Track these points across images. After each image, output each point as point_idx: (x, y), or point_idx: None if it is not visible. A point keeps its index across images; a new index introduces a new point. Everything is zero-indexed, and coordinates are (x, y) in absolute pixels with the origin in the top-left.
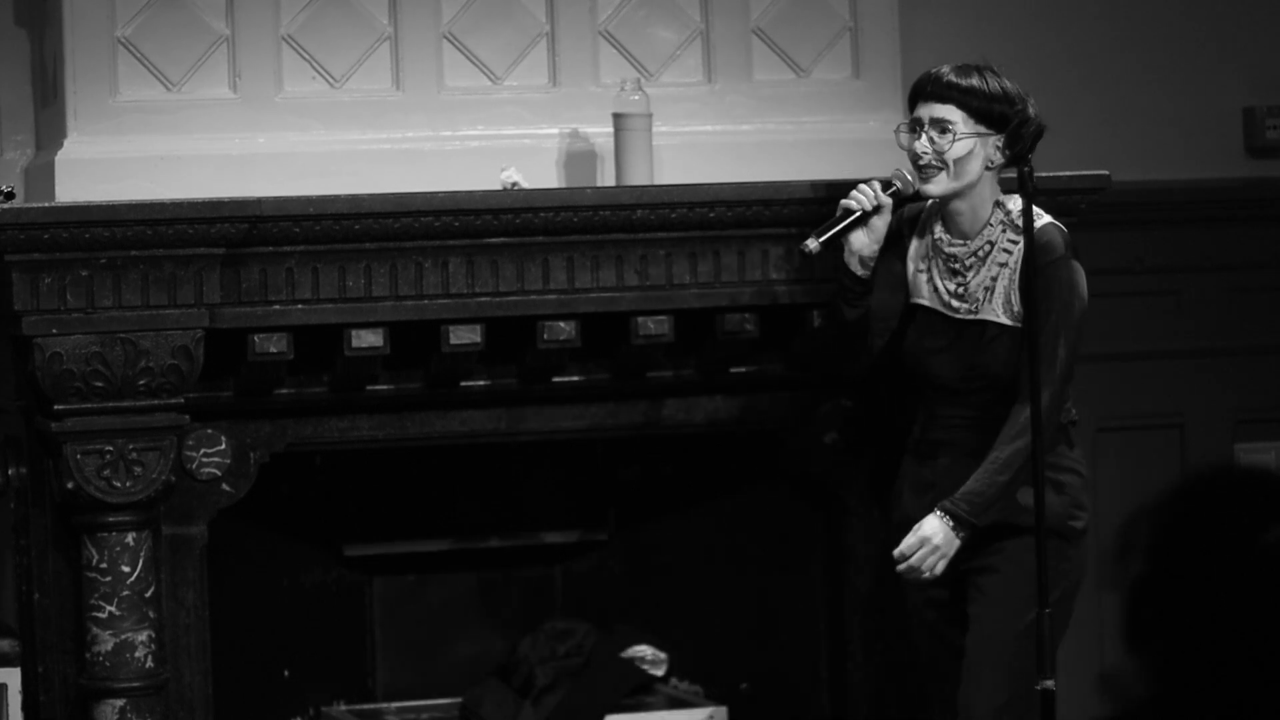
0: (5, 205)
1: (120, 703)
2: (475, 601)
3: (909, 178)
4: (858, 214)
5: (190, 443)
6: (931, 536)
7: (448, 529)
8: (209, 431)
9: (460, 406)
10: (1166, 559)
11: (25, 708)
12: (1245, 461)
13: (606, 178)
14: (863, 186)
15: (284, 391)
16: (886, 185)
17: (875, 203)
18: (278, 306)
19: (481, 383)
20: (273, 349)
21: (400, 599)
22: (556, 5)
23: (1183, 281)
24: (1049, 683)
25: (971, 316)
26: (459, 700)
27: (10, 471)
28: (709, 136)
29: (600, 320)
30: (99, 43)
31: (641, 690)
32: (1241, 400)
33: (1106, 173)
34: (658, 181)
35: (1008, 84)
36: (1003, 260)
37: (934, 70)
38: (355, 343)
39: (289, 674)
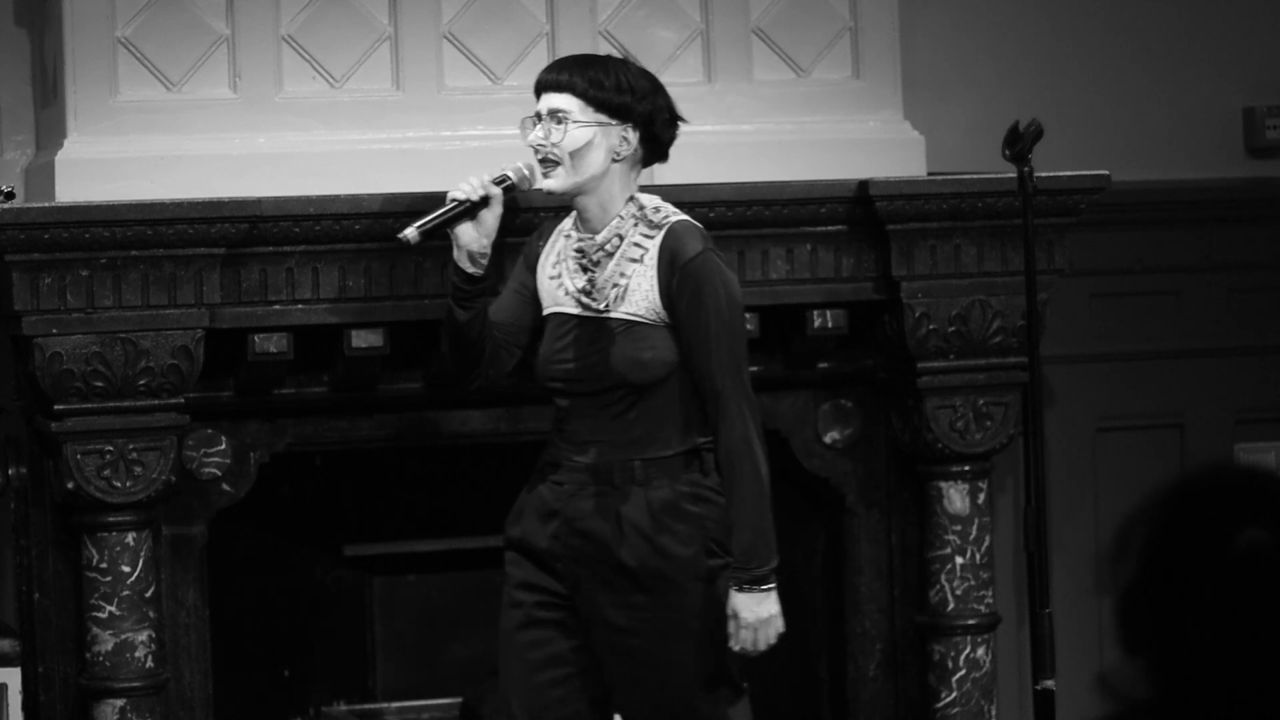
0: (5, 205)
1: (120, 703)
2: (475, 601)
3: (526, 172)
4: (463, 205)
5: (190, 443)
6: (745, 616)
7: (448, 529)
8: (209, 431)
9: (460, 406)
10: (1154, 562)
11: (25, 708)
12: (1242, 461)
13: None
14: (470, 177)
15: (284, 391)
16: (501, 179)
17: (482, 193)
18: (278, 306)
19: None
20: (273, 349)
21: (400, 599)
22: (556, 5)
23: (1183, 281)
24: (1049, 683)
25: (602, 315)
26: (459, 700)
27: (10, 471)
28: (709, 136)
29: None
30: (99, 43)
31: None
32: (1241, 400)
33: (1106, 173)
34: (658, 181)
35: (634, 75)
36: (635, 256)
37: (555, 61)
38: (355, 343)
39: (289, 674)
